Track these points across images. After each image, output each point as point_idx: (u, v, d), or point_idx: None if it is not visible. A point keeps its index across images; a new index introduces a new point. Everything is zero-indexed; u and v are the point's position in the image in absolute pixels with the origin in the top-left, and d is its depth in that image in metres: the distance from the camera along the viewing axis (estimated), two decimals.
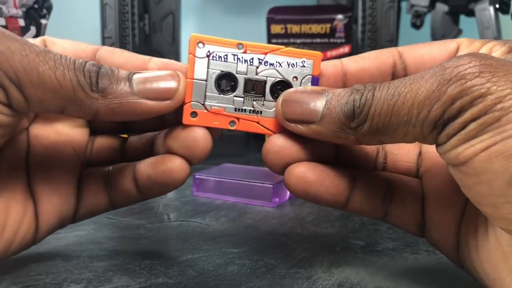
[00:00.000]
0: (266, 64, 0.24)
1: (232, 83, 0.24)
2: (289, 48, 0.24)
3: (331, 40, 0.66)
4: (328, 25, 0.66)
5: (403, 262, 0.29)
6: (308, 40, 0.66)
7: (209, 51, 0.23)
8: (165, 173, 0.24)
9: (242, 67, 0.24)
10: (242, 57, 0.24)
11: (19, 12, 0.58)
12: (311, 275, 0.27)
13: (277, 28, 0.67)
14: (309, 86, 0.24)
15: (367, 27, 0.72)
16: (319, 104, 0.22)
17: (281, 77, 0.24)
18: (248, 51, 0.24)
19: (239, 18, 1.04)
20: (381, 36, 0.73)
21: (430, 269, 0.26)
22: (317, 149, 0.24)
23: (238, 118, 0.24)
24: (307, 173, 0.24)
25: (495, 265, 0.21)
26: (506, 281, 0.20)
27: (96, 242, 0.32)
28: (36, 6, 0.61)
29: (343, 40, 0.66)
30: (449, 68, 0.19)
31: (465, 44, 0.24)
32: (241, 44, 0.24)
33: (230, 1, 1.06)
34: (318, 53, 0.24)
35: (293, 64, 0.24)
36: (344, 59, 0.25)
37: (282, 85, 0.24)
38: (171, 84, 0.22)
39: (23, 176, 0.25)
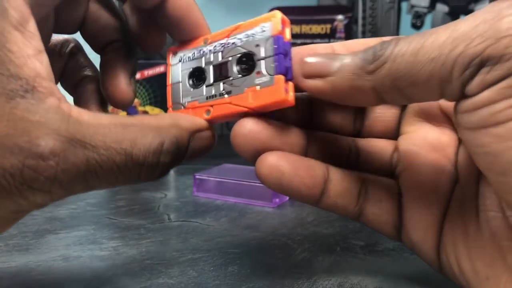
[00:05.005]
0: (228, 45, 0.23)
1: (203, 76, 0.24)
2: (248, 21, 0.23)
3: (332, 41, 0.67)
4: (329, 26, 0.66)
5: (403, 262, 0.29)
6: (308, 41, 0.66)
7: (181, 56, 0.25)
8: None
9: (208, 57, 0.24)
10: (207, 49, 0.24)
11: None
12: (311, 275, 0.27)
13: None
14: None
15: (367, 27, 0.72)
16: (337, 59, 0.20)
17: (244, 50, 0.23)
18: (211, 42, 0.24)
19: (239, 18, 1.03)
20: (381, 37, 0.73)
21: (430, 269, 0.26)
22: (289, 136, 0.23)
23: (211, 105, 0.24)
24: (280, 162, 0.22)
25: (489, 262, 0.20)
26: (502, 279, 0.19)
27: (96, 242, 0.32)
28: None
29: (343, 41, 0.67)
30: (496, 5, 0.16)
31: None
32: (206, 38, 0.24)
33: (231, 1, 1.06)
34: (276, 12, 0.22)
35: (253, 34, 0.23)
36: (334, 44, 0.24)
37: (246, 58, 0.23)
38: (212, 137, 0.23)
39: None
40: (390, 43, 0.19)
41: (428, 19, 0.72)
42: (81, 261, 0.29)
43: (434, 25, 0.71)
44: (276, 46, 0.22)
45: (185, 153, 0.21)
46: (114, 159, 0.19)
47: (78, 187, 0.18)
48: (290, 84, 0.22)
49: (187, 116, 0.22)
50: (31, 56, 0.18)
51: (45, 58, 0.19)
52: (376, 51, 0.19)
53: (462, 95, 0.17)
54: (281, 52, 0.22)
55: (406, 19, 0.74)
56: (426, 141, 0.24)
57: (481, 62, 0.16)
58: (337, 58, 0.20)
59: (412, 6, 0.71)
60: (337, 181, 0.24)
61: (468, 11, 0.69)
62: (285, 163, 0.22)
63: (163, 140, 0.20)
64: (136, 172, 0.20)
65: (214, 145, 0.23)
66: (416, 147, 0.24)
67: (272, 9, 0.69)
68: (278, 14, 0.22)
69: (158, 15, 0.24)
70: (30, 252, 0.30)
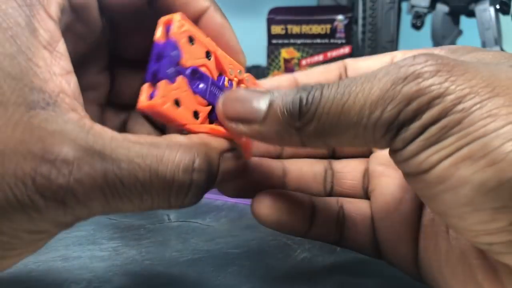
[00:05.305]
0: None
1: None
2: None
3: (332, 41, 0.66)
4: (329, 26, 0.66)
5: None
6: (308, 41, 0.66)
7: None
8: None
9: None
10: None
11: None
12: (311, 276, 0.27)
13: (277, 29, 0.67)
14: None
15: (368, 27, 0.72)
16: (262, 102, 0.20)
17: None
18: None
19: (239, 18, 1.04)
20: (381, 37, 0.73)
21: None
22: (266, 171, 0.25)
23: None
24: (278, 202, 0.24)
25: (462, 280, 0.20)
26: None
27: (96, 243, 0.32)
28: None
29: (343, 41, 0.67)
30: (404, 66, 0.18)
31: (398, 56, 0.24)
32: None
33: (230, 1, 1.05)
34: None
35: None
36: (296, 74, 0.26)
37: None
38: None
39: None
40: (314, 96, 0.19)
41: (428, 19, 0.72)
42: (81, 261, 0.29)
43: (434, 25, 0.71)
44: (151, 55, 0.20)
45: (217, 174, 0.20)
46: (137, 175, 0.17)
47: (96, 203, 0.17)
48: (159, 84, 0.19)
49: (213, 137, 0.21)
50: (58, 74, 0.18)
51: (73, 79, 0.19)
52: (302, 105, 0.19)
53: (390, 149, 0.19)
54: (153, 59, 0.20)
55: (406, 19, 0.74)
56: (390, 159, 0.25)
57: (399, 125, 0.18)
58: (262, 101, 0.20)
59: (412, 6, 0.71)
60: (320, 212, 0.25)
61: (468, 11, 0.69)
62: (281, 202, 0.24)
63: (193, 157, 0.19)
64: (164, 193, 0.18)
65: (242, 167, 0.22)
66: (382, 166, 0.25)
67: (271, 9, 0.69)
68: (161, 18, 0.20)
69: None
70: None
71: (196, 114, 0.21)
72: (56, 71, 0.18)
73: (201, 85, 0.21)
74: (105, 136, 0.17)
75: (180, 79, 0.20)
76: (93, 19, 0.21)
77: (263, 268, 0.28)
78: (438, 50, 0.22)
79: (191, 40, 0.21)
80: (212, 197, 0.44)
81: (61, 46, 0.18)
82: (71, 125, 0.17)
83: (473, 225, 0.17)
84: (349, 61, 0.26)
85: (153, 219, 0.37)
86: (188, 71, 0.20)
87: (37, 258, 0.29)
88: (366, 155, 0.27)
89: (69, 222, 0.18)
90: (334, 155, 0.28)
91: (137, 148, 0.18)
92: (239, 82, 0.23)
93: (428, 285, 0.23)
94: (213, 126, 0.22)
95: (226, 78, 0.23)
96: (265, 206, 0.24)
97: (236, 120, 0.21)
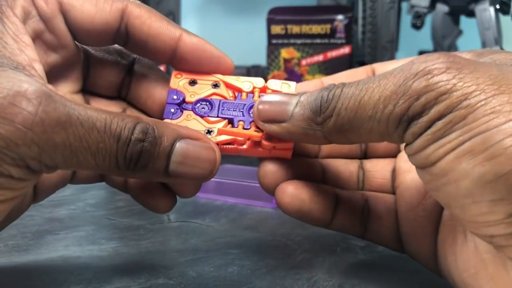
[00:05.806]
0: None
1: None
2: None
3: (332, 41, 0.66)
4: (329, 26, 0.66)
5: (403, 263, 0.29)
6: (308, 41, 0.66)
7: None
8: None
9: None
10: None
11: None
12: (311, 276, 0.27)
13: (277, 29, 0.67)
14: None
15: (368, 27, 0.72)
16: (290, 104, 0.22)
17: None
18: None
19: (239, 18, 1.04)
20: (381, 37, 0.73)
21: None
22: (306, 169, 0.26)
23: None
24: (300, 191, 0.24)
25: (474, 273, 0.20)
26: None
27: (96, 243, 0.32)
28: None
29: (343, 41, 0.66)
30: (417, 63, 0.19)
31: None
32: None
33: (230, 1, 1.06)
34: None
35: None
36: (323, 79, 0.27)
37: None
38: (207, 167, 0.22)
39: None
40: (335, 94, 0.20)
41: (428, 19, 0.72)
42: (81, 261, 0.29)
43: (434, 25, 0.71)
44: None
45: (168, 151, 0.21)
46: (94, 123, 0.19)
47: (59, 140, 0.18)
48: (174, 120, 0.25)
49: (185, 127, 0.23)
50: (25, 56, 0.20)
51: (39, 66, 0.21)
52: (323, 102, 0.21)
53: (403, 143, 0.20)
54: (168, 102, 0.25)
55: (406, 19, 0.74)
56: None
57: (409, 119, 0.19)
58: (290, 102, 0.22)
59: (412, 6, 0.71)
60: (344, 204, 0.25)
61: (468, 11, 0.69)
62: (303, 191, 0.24)
63: (137, 121, 0.20)
64: (113, 148, 0.20)
65: (215, 162, 0.22)
66: (408, 163, 0.26)
67: (271, 9, 0.69)
68: (173, 72, 0.26)
69: (175, 62, 0.25)
70: (30, 253, 0.30)
71: (209, 132, 0.24)
72: (24, 57, 0.20)
73: (205, 109, 0.25)
74: (67, 96, 0.20)
75: (185, 113, 0.25)
76: (61, 31, 0.23)
77: (262, 268, 0.28)
78: (465, 53, 0.22)
79: (192, 82, 0.26)
80: (212, 197, 0.44)
81: (27, 39, 0.21)
82: (37, 82, 0.19)
83: (473, 216, 0.18)
84: (377, 65, 0.27)
85: (153, 219, 0.37)
86: (192, 104, 0.25)
87: (36, 258, 0.29)
88: (396, 155, 0.28)
89: (33, 164, 0.19)
90: (366, 156, 0.28)
91: (94, 109, 0.20)
92: (262, 90, 0.26)
93: (445, 278, 0.23)
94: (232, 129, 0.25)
95: (244, 93, 0.26)
96: (287, 195, 0.24)
97: (268, 121, 0.23)
